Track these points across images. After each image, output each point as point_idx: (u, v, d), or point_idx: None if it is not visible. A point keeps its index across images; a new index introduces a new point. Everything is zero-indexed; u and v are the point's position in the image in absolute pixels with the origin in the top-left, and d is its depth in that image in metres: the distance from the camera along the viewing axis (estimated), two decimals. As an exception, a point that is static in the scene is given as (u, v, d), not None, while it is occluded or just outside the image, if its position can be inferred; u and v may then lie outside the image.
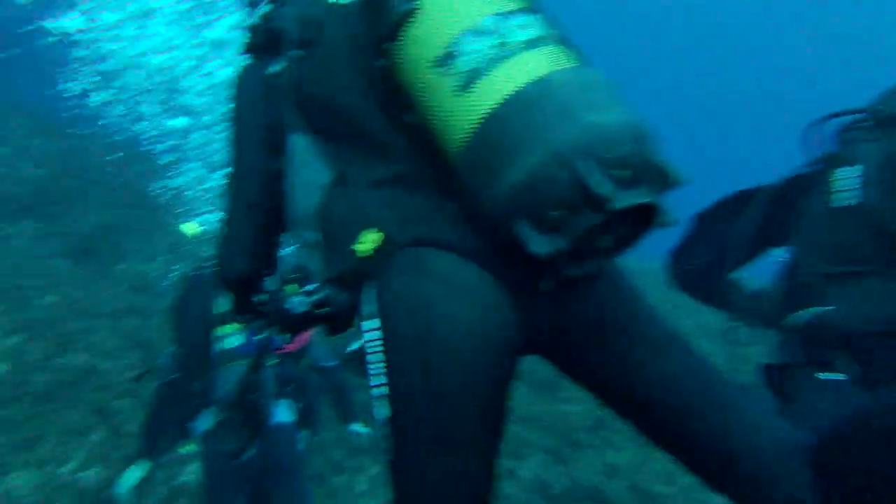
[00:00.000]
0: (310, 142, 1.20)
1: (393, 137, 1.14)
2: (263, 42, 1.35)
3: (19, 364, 4.91)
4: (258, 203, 1.33)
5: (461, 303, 1.01)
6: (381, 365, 1.05)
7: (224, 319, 2.73)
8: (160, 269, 7.98)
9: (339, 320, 1.21)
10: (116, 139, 8.77)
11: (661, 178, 0.95)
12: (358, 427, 3.23)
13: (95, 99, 8.54)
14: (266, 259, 1.41)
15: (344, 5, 1.22)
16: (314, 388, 3.07)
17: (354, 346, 1.28)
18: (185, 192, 8.80)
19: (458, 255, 1.04)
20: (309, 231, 1.22)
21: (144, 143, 8.80)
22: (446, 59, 0.99)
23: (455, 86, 0.98)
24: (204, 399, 2.74)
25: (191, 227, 3.63)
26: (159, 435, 2.88)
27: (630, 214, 0.93)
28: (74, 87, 8.62)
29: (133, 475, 2.85)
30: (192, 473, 4.80)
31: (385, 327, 1.05)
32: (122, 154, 8.68)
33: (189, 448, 2.89)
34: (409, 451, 1.03)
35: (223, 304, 2.68)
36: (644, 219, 0.97)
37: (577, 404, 5.21)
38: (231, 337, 2.71)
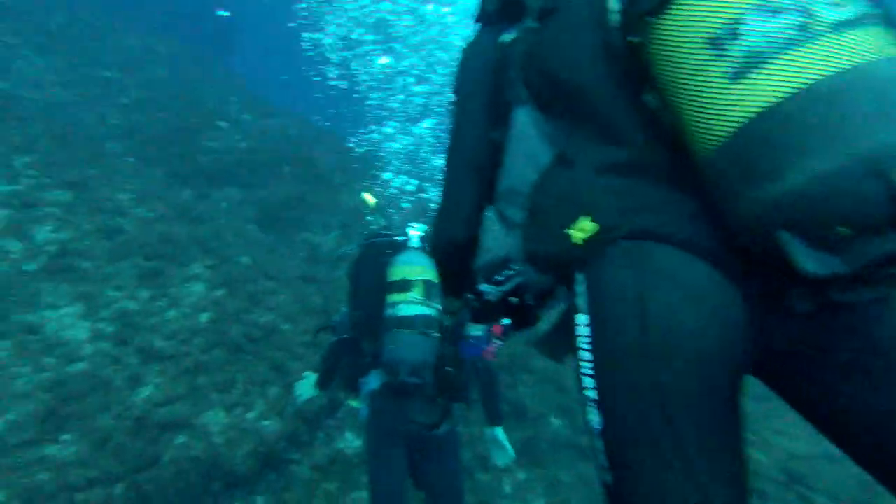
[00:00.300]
0: (534, 117, 1.15)
1: (629, 121, 1.02)
2: (498, 9, 1.29)
3: (220, 314, 5.59)
4: (481, 170, 1.28)
5: (688, 305, 0.88)
6: (591, 365, 0.93)
7: (396, 287, 2.77)
8: (333, 243, 8.70)
9: (530, 312, 1.14)
10: (313, 119, 9.60)
11: None
12: (499, 434, 3.10)
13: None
14: (478, 229, 1.30)
15: None
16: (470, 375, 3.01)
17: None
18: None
19: (690, 252, 0.92)
20: (514, 208, 1.16)
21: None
22: (724, 38, 0.83)
23: (728, 71, 0.82)
24: (373, 360, 2.84)
25: (371, 198, 3.76)
26: (331, 384, 3.06)
27: None
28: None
29: (307, 386, 3.09)
30: (348, 441, 5.19)
31: (596, 324, 0.94)
32: (314, 133, 9.62)
33: (356, 403, 3.02)
34: (630, 469, 0.87)
35: (397, 271, 2.80)
36: None
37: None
38: (402, 305, 2.73)
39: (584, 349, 0.95)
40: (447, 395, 2.75)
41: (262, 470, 4.50)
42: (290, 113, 10.90)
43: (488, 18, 1.35)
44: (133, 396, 4.41)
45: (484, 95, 1.28)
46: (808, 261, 0.79)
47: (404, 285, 2.77)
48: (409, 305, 2.73)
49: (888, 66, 0.76)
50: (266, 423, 4.71)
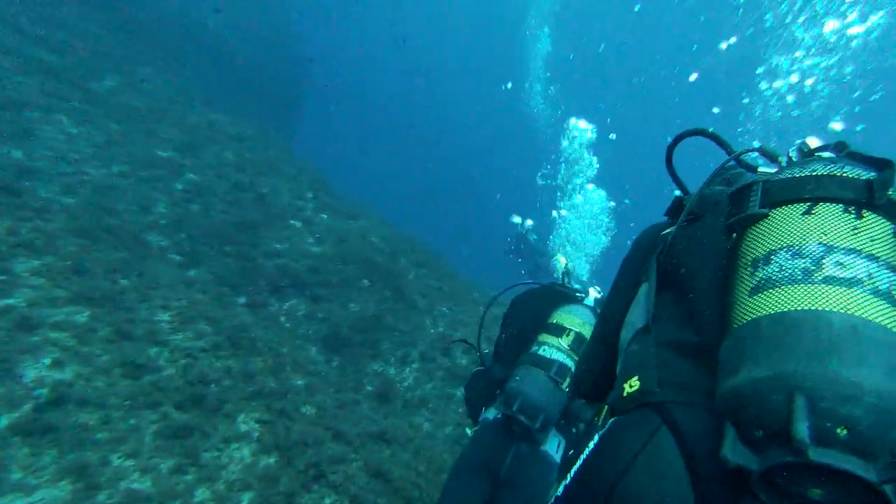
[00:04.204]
0: (647, 291, 1.37)
1: (709, 311, 1.19)
2: (674, 208, 1.53)
3: (267, 495, 3.76)
4: (613, 332, 1.48)
5: (647, 475, 1.06)
6: (569, 479, 1.18)
7: (550, 328, 2.87)
8: (410, 380, 6.87)
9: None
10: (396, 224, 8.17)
11: (889, 462, 0.84)
12: None
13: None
14: (607, 380, 1.47)
15: (721, 192, 1.38)
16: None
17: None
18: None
19: (680, 433, 1.08)
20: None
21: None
22: (759, 262, 1.05)
23: (750, 286, 1.03)
24: (499, 387, 2.88)
25: (563, 259, 3.92)
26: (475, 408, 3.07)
27: (846, 481, 0.84)
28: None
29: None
30: None
31: (591, 456, 1.18)
32: (403, 242, 8.15)
33: (470, 430, 3.02)
34: None
35: (557, 315, 2.91)
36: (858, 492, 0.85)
37: None
38: (547, 346, 2.80)
39: (575, 467, 1.19)
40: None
41: None
42: (376, 214, 9.53)
43: (672, 213, 1.55)
44: None
45: (637, 276, 1.49)
46: (730, 450, 0.92)
47: (558, 330, 2.85)
48: (553, 349, 2.79)
49: (851, 323, 0.90)
50: None
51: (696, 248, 1.32)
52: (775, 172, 1.19)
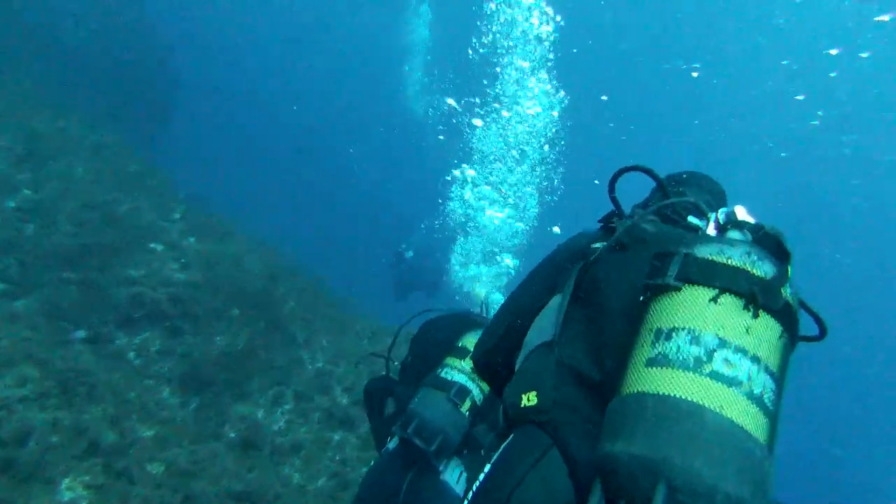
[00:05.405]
0: (561, 305, 1.45)
1: (614, 354, 1.27)
2: (606, 226, 1.64)
3: None
4: (523, 316, 1.60)
5: (537, 489, 1.21)
6: (473, 491, 1.32)
7: (456, 351, 2.85)
8: (282, 423, 6.29)
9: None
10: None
11: None
12: None
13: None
14: (504, 365, 1.65)
15: (649, 233, 1.48)
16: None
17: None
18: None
19: (568, 455, 1.21)
20: (519, 360, 1.52)
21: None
22: (660, 336, 1.13)
23: (648, 356, 1.12)
24: (400, 410, 2.84)
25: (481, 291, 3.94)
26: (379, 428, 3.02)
27: None
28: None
29: None
30: None
31: (492, 470, 1.32)
32: (284, 267, 7.51)
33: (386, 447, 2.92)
34: None
35: (465, 339, 2.88)
36: None
37: None
38: (449, 369, 2.78)
39: (475, 486, 1.32)
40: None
41: None
42: (254, 235, 8.79)
43: (605, 222, 1.66)
44: None
45: (556, 274, 1.59)
46: None
47: (463, 353, 2.82)
48: (455, 371, 2.77)
49: (722, 424, 1.00)
50: None
51: (615, 280, 1.39)
52: (698, 240, 1.29)
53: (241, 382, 6.30)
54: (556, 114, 8.11)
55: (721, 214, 1.46)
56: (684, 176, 1.81)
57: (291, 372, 6.77)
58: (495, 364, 1.66)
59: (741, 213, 1.44)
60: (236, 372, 6.36)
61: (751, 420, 1.02)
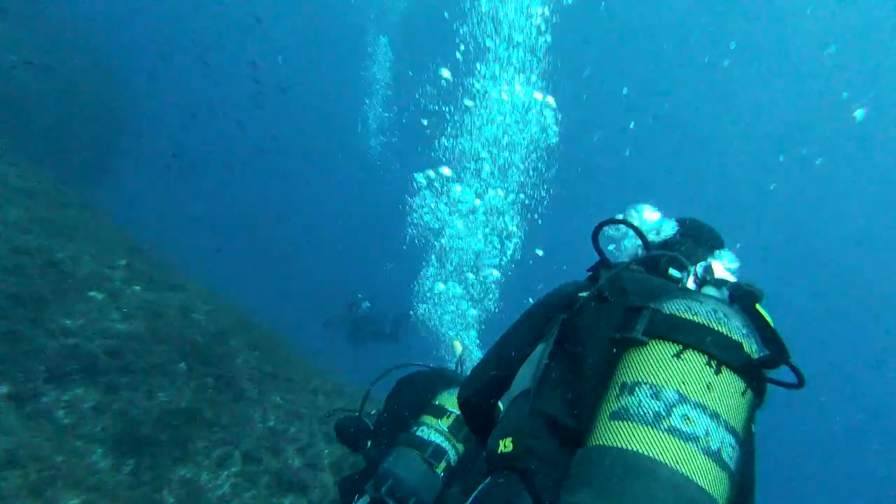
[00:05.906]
0: (542, 353, 1.48)
1: (588, 406, 1.28)
2: (592, 276, 1.67)
3: None
4: (504, 375, 1.64)
5: None
6: None
7: (431, 410, 2.81)
8: (227, 488, 5.77)
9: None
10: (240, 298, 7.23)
11: None
12: None
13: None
14: (489, 408, 1.74)
15: (631, 279, 1.51)
16: None
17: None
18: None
19: (538, 499, 1.22)
20: (505, 406, 1.56)
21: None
22: (626, 389, 1.18)
23: (612, 409, 1.16)
24: (372, 469, 2.76)
25: (459, 345, 4.00)
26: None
27: None
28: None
29: None
30: None
31: None
32: (234, 319, 7.07)
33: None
34: None
35: (440, 397, 2.84)
36: None
37: None
38: (425, 427, 2.73)
39: None
40: None
41: None
42: (203, 284, 8.36)
43: (594, 271, 1.68)
44: None
45: (543, 323, 1.61)
46: None
47: (439, 411, 2.79)
48: (431, 431, 2.72)
49: (677, 481, 1.03)
50: None
51: (593, 331, 1.41)
52: (669, 294, 1.32)
53: (184, 442, 5.79)
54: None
55: (700, 268, 1.50)
56: (687, 222, 1.82)
57: (240, 431, 6.29)
58: (480, 407, 1.71)
59: (718, 269, 1.47)
60: (179, 431, 5.86)
61: (706, 476, 1.05)
